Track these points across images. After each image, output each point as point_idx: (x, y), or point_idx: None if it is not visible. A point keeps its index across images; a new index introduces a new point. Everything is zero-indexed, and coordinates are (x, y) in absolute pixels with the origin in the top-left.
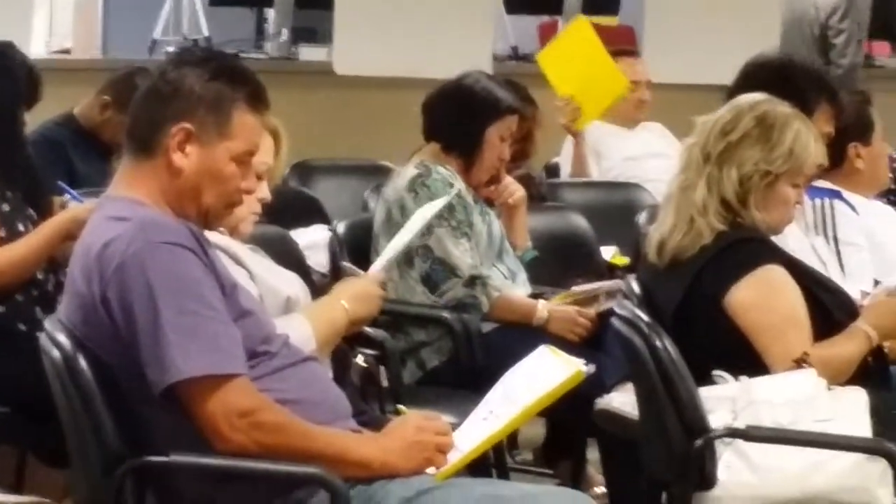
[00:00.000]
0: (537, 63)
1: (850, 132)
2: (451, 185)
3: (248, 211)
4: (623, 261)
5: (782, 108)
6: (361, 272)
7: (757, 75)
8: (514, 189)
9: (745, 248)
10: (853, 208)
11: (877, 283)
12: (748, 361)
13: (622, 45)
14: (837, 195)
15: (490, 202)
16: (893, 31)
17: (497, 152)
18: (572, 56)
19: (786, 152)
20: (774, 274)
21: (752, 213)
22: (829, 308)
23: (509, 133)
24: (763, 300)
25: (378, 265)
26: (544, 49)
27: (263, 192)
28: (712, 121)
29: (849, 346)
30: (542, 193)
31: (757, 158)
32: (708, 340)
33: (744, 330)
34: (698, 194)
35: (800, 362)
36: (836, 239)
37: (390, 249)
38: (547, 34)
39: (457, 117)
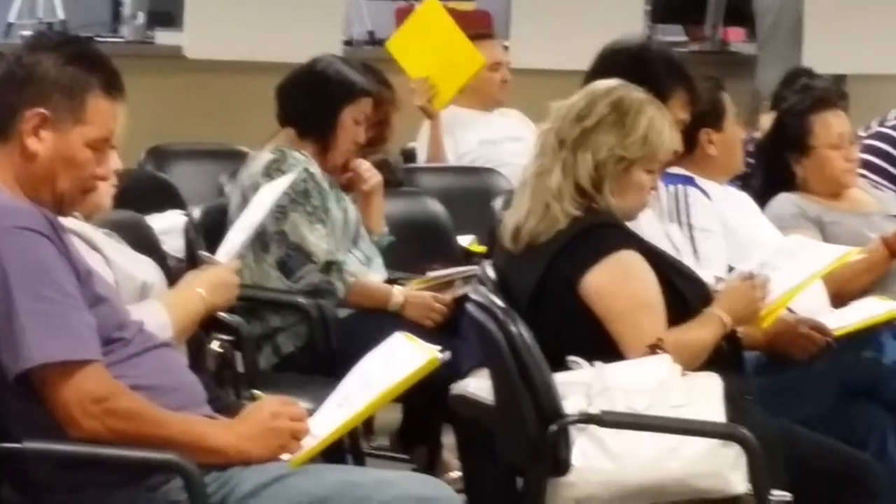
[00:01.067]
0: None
1: (702, 118)
2: (307, 171)
3: (107, 185)
4: (481, 249)
5: (637, 93)
6: (218, 260)
7: (613, 60)
8: (370, 175)
9: (599, 233)
10: (706, 194)
11: (731, 268)
12: (603, 347)
13: (479, 28)
14: (690, 181)
15: (346, 188)
16: (747, 17)
17: (352, 135)
18: (425, 38)
19: (640, 138)
20: (629, 259)
21: (607, 199)
22: (683, 294)
23: (364, 116)
24: (617, 285)
25: (229, 249)
26: (393, 35)
27: (115, 162)
28: (567, 106)
29: (703, 331)
30: (398, 179)
31: (612, 144)
32: (563, 326)
33: (598, 315)
34: (553, 180)
35: (654, 348)
36: (689, 225)
37: (240, 231)
38: (404, 18)
39: (310, 102)
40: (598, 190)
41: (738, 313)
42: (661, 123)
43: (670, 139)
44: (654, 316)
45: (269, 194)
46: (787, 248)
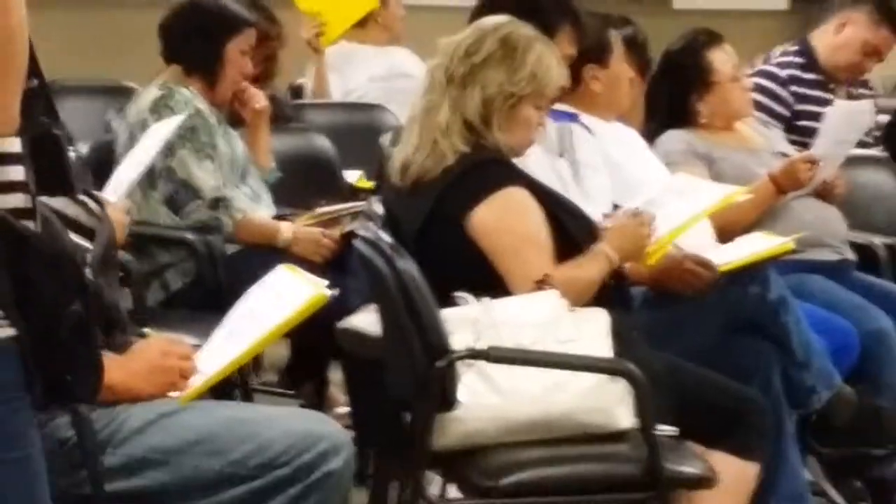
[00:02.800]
0: None
1: (587, 55)
2: (195, 108)
3: None
4: (368, 184)
5: (525, 30)
6: (107, 198)
7: None
8: (258, 97)
9: (487, 170)
10: (590, 131)
11: (616, 206)
12: (490, 283)
13: None
14: (575, 118)
15: (234, 123)
16: None
17: (238, 67)
18: None
19: (529, 74)
20: (516, 196)
21: (495, 135)
22: (570, 230)
23: (249, 47)
24: (504, 222)
25: (116, 186)
26: None
27: None
28: (455, 42)
29: (591, 267)
30: (286, 115)
31: (500, 80)
32: (450, 262)
33: (485, 251)
34: (442, 116)
35: (541, 284)
36: (575, 161)
37: (128, 170)
38: None
39: (193, 37)
40: (487, 126)
41: (624, 250)
42: (550, 59)
43: (558, 75)
44: (540, 252)
45: (158, 134)
46: (675, 187)
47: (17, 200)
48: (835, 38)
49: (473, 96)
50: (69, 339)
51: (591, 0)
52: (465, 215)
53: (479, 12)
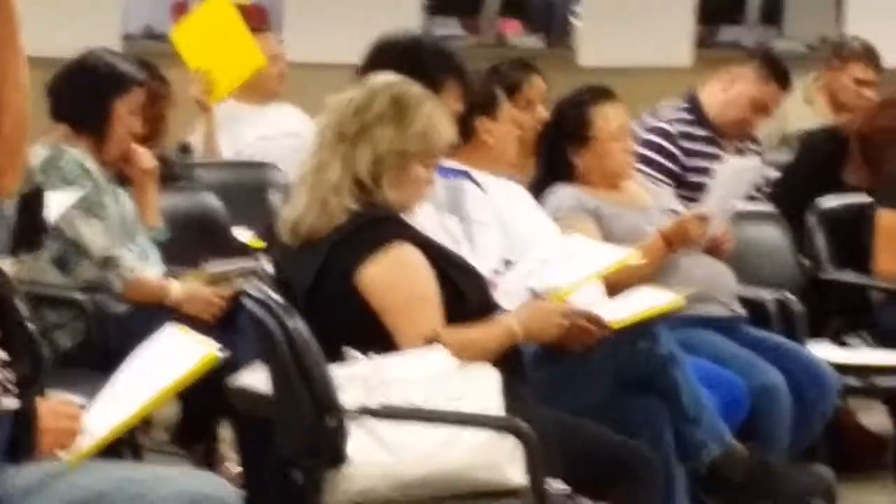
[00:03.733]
0: (171, 42)
1: (477, 108)
2: (83, 168)
3: None
4: (259, 244)
5: (416, 88)
6: None
7: (385, 54)
8: (146, 157)
9: (377, 226)
10: (480, 187)
11: (507, 262)
12: (380, 339)
13: (255, 22)
14: (465, 175)
15: (123, 182)
16: (525, 10)
17: (127, 126)
18: (209, 30)
19: (419, 133)
20: (405, 252)
21: (386, 193)
22: (461, 287)
23: (138, 107)
24: (394, 278)
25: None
26: (180, 23)
27: None
28: (345, 100)
29: (489, 336)
30: (174, 173)
31: (391, 138)
32: (341, 318)
33: (375, 308)
34: (332, 174)
35: (430, 341)
36: (465, 218)
37: None
38: (179, 13)
39: (82, 96)
40: (377, 183)
41: (531, 330)
42: (439, 118)
43: (447, 133)
44: (429, 309)
45: (54, 206)
46: (567, 248)
47: None
48: (723, 94)
49: (364, 154)
50: None
51: (495, 57)
52: (355, 271)
53: (364, 70)
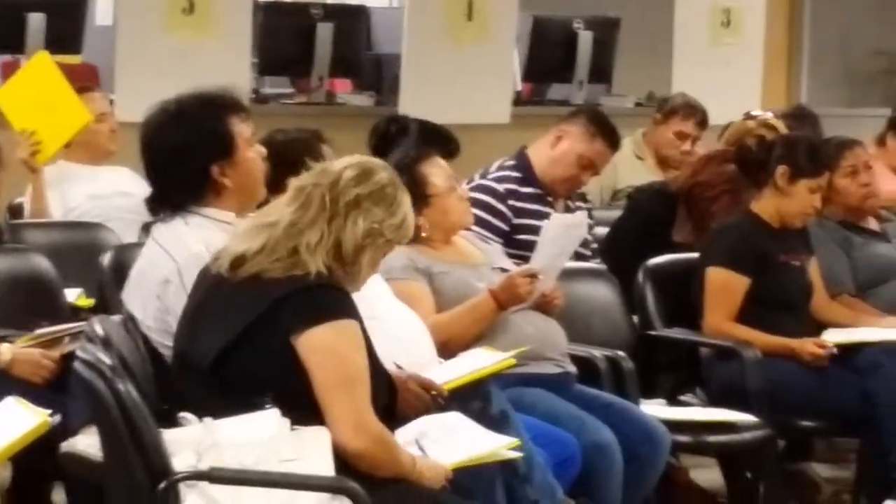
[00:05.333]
0: None
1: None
2: None
3: None
4: (88, 303)
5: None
6: None
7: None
8: None
9: (337, 295)
10: None
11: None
12: (296, 401)
13: (85, 81)
14: None
15: None
16: (355, 69)
17: None
18: (33, 91)
19: (399, 222)
20: (354, 330)
21: (363, 267)
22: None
23: None
24: (339, 350)
25: None
26: (3, 86)
27: None
28: (338, 170)
29: (404, 461)
30: (1, 236)
31: (381, 218)
32: (265, 367)
33: (311, 373)
34: (313, 234)
35: (362, 427)
36: None
37: None
38: (9, 72)
39: None
40: (357, 256)
41: (424, 477)
42: (411, 212)
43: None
44: (364, 391)
45: None
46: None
47: None
48: (551, 151)
49: (356, 225)
50: None
51: (324, 114)
52: (301, 330)
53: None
